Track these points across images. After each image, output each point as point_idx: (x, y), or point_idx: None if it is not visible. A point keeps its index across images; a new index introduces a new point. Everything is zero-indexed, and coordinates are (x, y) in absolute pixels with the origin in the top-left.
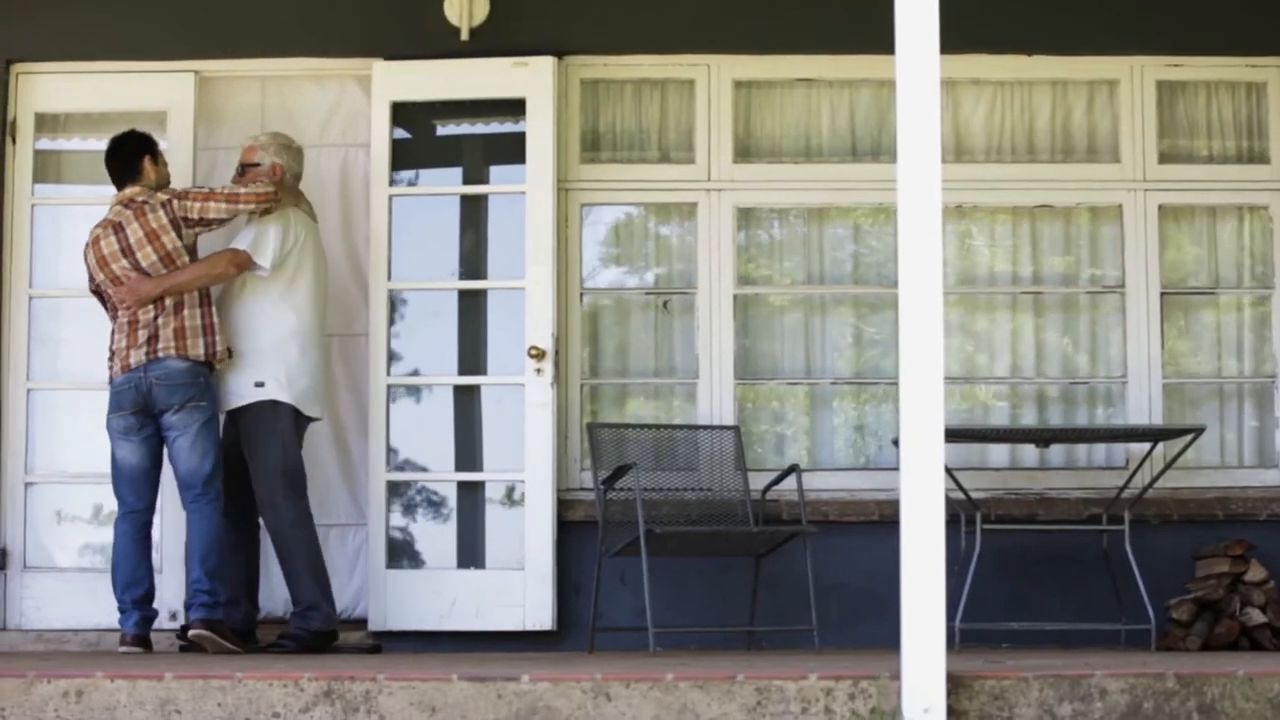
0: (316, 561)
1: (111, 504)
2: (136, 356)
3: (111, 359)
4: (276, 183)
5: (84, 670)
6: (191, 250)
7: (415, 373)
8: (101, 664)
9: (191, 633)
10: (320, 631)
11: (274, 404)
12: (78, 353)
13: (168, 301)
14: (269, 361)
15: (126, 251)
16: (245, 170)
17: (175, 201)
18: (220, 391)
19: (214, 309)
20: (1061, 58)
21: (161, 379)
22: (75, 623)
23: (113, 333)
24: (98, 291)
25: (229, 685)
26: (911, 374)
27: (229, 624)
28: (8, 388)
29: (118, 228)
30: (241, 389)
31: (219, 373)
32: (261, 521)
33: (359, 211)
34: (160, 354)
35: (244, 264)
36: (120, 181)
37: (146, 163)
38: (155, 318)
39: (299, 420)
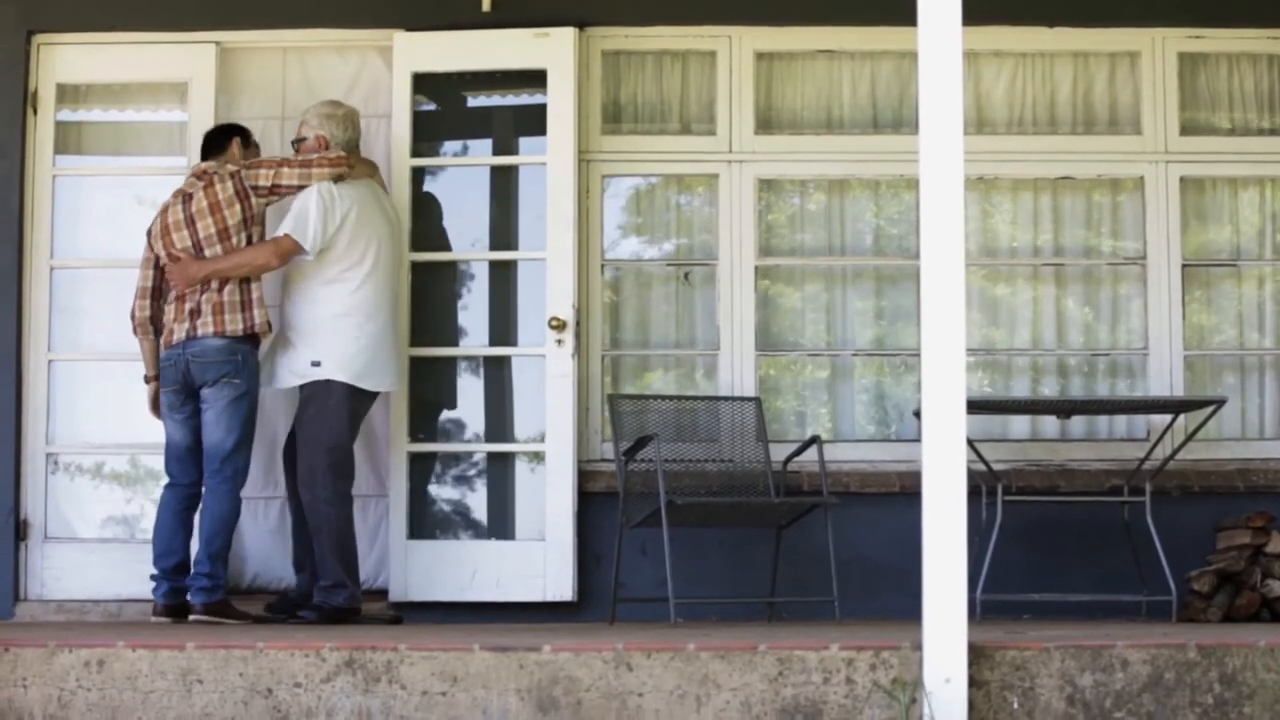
0: (346, 543)
1: (132, 474)
2: (179, 332)
3: (163, 332)
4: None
5: (106, 640)
6: (261, 221)
7: (436, 344)
8: (123, 634)
9: (192, 617)
10: (343, 608)
11: (327, 383)
12: (99, 323)
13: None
14: (323, 340)
15: (189, 221)
16: (298, 145)
17: (245, 171)
18: (282, 370)
19: (255, 284)
20: (1083, 29)
21: (197, 356)
22: (96, 593)
23: (167, 306)
24: (157, 265)
25: (250, 655)
26: (933, 346)
27: (296, 590)
28: (29, 358)
29: (186, 198)
30: (299, 366)
31: (280, 351)
32: None
33: None
34: (199, 332)
35: (288, 252)
36: (204, 157)
37: (235, 143)
38: (200, 294)
39: (358, 397)
